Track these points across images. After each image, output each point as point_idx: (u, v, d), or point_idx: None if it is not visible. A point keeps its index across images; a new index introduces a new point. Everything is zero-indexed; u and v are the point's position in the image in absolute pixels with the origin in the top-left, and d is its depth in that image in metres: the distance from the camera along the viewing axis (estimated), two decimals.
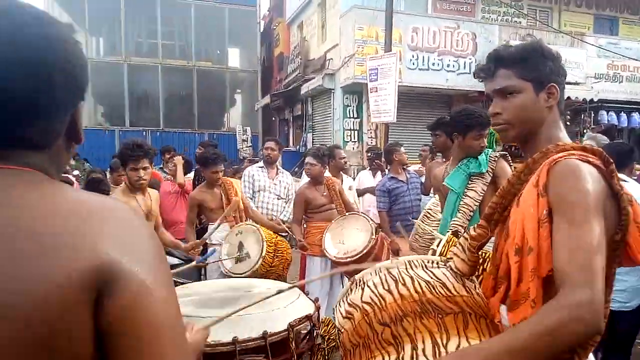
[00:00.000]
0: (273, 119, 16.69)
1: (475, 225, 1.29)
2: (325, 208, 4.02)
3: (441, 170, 3.00)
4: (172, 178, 5.41)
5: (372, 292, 1.26)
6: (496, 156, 2.64)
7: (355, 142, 11.39)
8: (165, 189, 5.06)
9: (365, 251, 3.33)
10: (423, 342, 1.13)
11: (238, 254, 3.58)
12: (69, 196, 0.67)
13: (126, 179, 2.84)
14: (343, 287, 1.26)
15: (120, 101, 16.48)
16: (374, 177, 5.63)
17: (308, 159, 4.05)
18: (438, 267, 1.32)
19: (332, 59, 11.91)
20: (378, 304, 1.23)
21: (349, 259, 3.32)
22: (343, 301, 1.36)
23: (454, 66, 11.13)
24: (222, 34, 17.82)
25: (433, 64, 11.02)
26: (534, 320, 0.98)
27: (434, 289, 1.22)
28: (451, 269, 1.29)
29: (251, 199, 4.42)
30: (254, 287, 2.79)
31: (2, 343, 0.57)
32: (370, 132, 11.16)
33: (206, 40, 17.88)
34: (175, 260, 4.31)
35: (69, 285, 0.58)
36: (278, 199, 4.47)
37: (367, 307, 1.24)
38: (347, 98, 11.41)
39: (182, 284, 3.00)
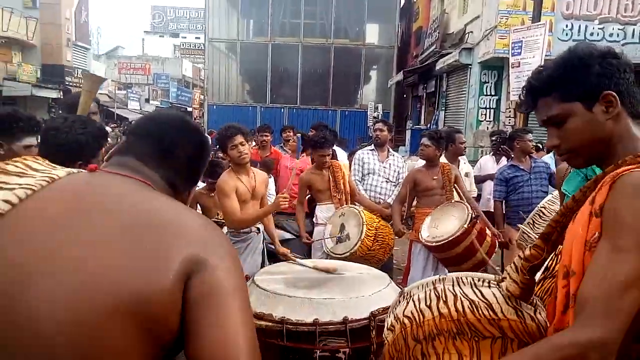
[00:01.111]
0: (404, 95, 16.33)
1: (531, 244, 1.13)
2: (434, 193, 3.87)
3: (565, 166, 2.66)
4: (291, 153, 5.74)
5: (414, 306, 1.21)
6: None
7: (490, 121, 10.60)
8: (284, 164, 5.40)
9: (451, 239, 3.20)
10: None
11: (339, 234, 3.67)
12: (174, 205, 0.93)
13: (231, 161, 3.06)
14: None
15: (263, 79, 17.66)
16: (497, 163, 5.21)
17: (423, 140, 3.92)
18: (489, 286, 1.20)
19: (472, 32, 11.17)
20: (417, 319, 1.18)
21: (434, 244, 3.20)
22: (391, 313, 1.33)
23: (618, 35, 9.59)
24: (362, 11, 17.83)
25: (591, 34, 9.63)
26: (537, 351, 0.88)
27: (477, 309, 1.12)
28: (505, 289, 1.16)
29: (360, 182, 4.44)
30: (345, 270, 2.84)
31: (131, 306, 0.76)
32: (509, 112, 10.27)
33: (346, 18, 18.08)
34: (288, 235, 4.60)
35: (176, 271, 0.79)
36: (387, 182, 4.40)
37: (406, 321, 1.20)
38: (484, 74, 10.63)
39: (295, 257, 3.21)
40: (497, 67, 10.35)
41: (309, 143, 4.04)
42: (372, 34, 19.03)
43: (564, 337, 0.88)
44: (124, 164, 0.96)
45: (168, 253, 0.81)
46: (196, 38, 41.74)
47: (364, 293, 2.38)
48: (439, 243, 3.19)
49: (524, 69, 8.23)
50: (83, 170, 0.97)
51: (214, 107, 17.59)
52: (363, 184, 4.44)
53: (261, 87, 17.87)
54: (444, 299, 1.16)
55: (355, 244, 3.48)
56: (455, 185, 4.03)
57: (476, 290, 1.18)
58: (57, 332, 0.73)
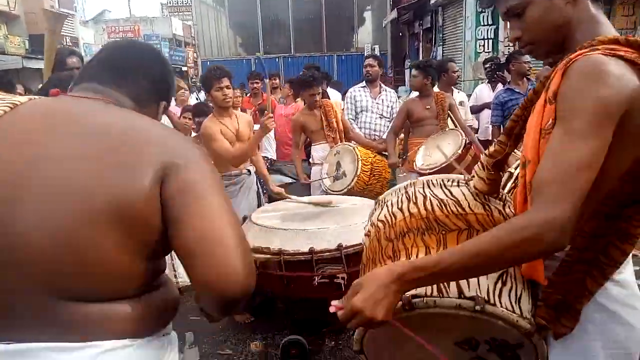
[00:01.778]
0: (400, 34, 15.90)
1: (496, 139, 1.16)
2: (427, 123, 3.88)
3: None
4: (285, 101, 5.70)
5: (388, 210, 1.27)
6: None
7: (489, 52, 10.34)
8: (278, 112, 5.39)
9: (444, 165, 3.27)
10: (417, 255, 1.11)
11: (335, 172, 3.72)
12: (140, 118, 0.98)
13: (214, 104, 3.06)
14: None
15: (254, 30, 17.21)
16: (493, 90, 5.15)
17: (412, 71, 3.89)
18: (458, 185, 1.25)
19: None
20: (389, 221, 1.23)
21: (428, 171, 3.25)
22: (369, 220, 1.39)
23: None
24: None
25: None
26: (497, 234, 0.91)
27: (445, 207, 1.17)
28: (473, 187, 1.21)
29: (354, 120, 4.43)
30: (340, 203, 2.91)
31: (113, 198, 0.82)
32: (507, 40, 10.01)
33: None
34: (287, 179, 4.66)
35: (151, 177, 0.84)
36: (381, 118, 4.39)
37: (380, 225, 1.25)
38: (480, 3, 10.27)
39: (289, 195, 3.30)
40: None
41: (297, 84, 4.00)
42: None
43: (521, 218, 0.91)
44: (85, 88, 0.99)
45: (141, 160, 0.85)
46: None
47: (357, 221, 2.45)
48: (433, 170, 3.24)
49: None
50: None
51: (208, 62, 17.28)
52: (357, 121, 4.43)
53: (253, 38, 17.45)
54: (414, 200, 1.21)
55: (352, 180, 3.54)
56: (450, 113, 4.03)
57: (445, 190, 1.23)
58: (49, 244, 0.78)
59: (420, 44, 14.53)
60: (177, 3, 40.52)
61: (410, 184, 1.30)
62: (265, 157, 5.05)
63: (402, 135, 4.38)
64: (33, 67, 21.33)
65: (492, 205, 1.18)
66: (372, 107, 4.41)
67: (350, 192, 3.47)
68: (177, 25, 36.41)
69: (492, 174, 1.15)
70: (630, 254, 1.06)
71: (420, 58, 13.95)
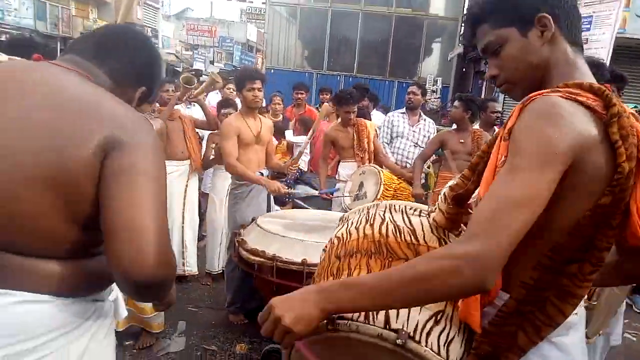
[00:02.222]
0: (465, 70, 15.65)
1: (460, 174, 1.14)
2: (459, 157, 3.80)
3: None
4: (328, 119, 5.76)
5: (346, 228, 1.27)
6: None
7: None
8: (320, 128, 5.45)
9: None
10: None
11: (357, 192, 3.71)
12: (102, 93, 1.01)
13: (243, 103, 3.15)
14: None
15: (321, 46, 17.56)
16: None
17: (455, 102, 3.85)
18: (419, 215, 1.23)
19: None
20: (344, 239, 1.23)
21: None
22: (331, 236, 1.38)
23: None
24: None
25: None
26: (417, 261, 0.88)
27: (400, 234, 1.15)
28: (432, 219, 1.19)
29: (387, 144, 4.41)
30: None
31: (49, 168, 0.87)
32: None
33: None
34: (313, 192, 4.70)
35: (94, 147, 0.89)
36: (415, 146, 4.35)
37: (335, 241, 1.25)
38: None
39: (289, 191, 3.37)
40: None
41: (334, 99, 4.05)
42: (437, 4, 18.25)
43: (442, 249, 0.88)
44: (67, 59, 1.06)
45: (86, 130, 0.89)
46: (262, 3, 41.83)
47: None
48: None
49: (592, 47, 7.66)
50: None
51: (272, 71, 17.79)
52: (390, 146, 4.41)
53: (319, 53, 17.81)
54: (371, 222, 1.20)
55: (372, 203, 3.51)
56: None
57: (405, 217, 1.21)
58: None
59: (485, 83, 14.25)
60: (256, 11, 42.13)
61: (374, 205, 1.30)
62: (299, 167, 5.11)
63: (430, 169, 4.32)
64: None
65: (449, 242, 1.15)
66: (408, 134, 4.38)
67: None
68: (252, 31, 37.77)
69: (452, 208, 1.12)
70: (576, 318, 1.00)
71: (483, 97, 13.69)
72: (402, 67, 17.58)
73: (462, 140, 3.82)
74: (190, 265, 3.72)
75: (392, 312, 1.00)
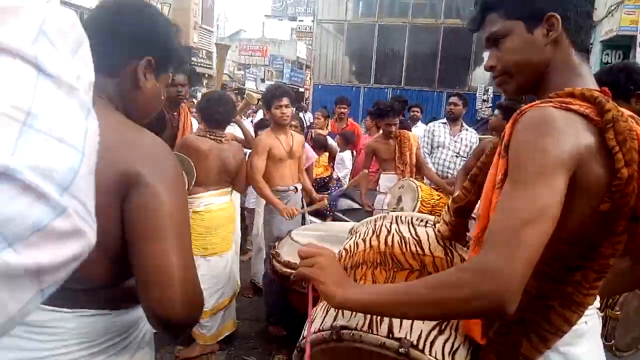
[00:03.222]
0: None
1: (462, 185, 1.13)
2: None
3: None
4: (369, 133, 5.78)
5: (354, 240, 1.29)
6: None
7: None
8: (362, 142, 5.49)
9: None
10: None
11: (395, 206, 3.69)
12: (119, 120, 0.94)
13: (272, 121, 3.24)
14: None
15: (368, 60, 17.64)
16: None
17: (495, 110, 3.76)
18: (425, 226, 1.24)
19: (596, 8, 9.96)
20: (351, 251, 1.25)
21: None
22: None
23: None
24: None
25: None
26: (430, 278, 0.89)
27: (405, 245, 1.17)
28: (437, 230, 1.19)
29: (429, 154, 4.36)
30: None
31: None
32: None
33: None
34: (355, 205, 4.72)
35: (114, 181, 0.84)
36: (457, 156, 4.28)
37: (343, 253, 1.28)
38: (607, 54, 9.51)
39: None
40: (622, 46, 9.18)
41: (375, 112, 4.07)
42: None
43: (463, 265, 0.88)
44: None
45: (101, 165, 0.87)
46: (312, 21, 42.77)
47: None
48: None
49: None
50: None
51: (319, 86, 18.05)
52: (431, 157, 4.36)
53: (366, 67, 17.88)
54: (377, 234, 1.22)
55: None
56: None
57: (411, 228, 1.22)
58: None
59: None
60: (306, 29, 43.07)
61: (381, 217, 1.31)
62: (340, 180, 5.15)
63: None
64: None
65: (455, 251, 1.15)
66: (450, 145, 4.32)
67: None
68: (302, 48, 38.63)
69: (454, 219, 1.11)
70: (586, 327, 0.96)
71: None
72: (451, 78, 17.28)
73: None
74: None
75: (396, 321, 1.01)
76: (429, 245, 1.15)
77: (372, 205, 4.03)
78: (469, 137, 4.37)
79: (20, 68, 0.43)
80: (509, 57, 1.02)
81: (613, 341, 1.66)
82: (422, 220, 1.25)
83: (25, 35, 0.45)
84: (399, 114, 4.00)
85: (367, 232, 1.26)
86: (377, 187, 4.11)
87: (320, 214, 4.18)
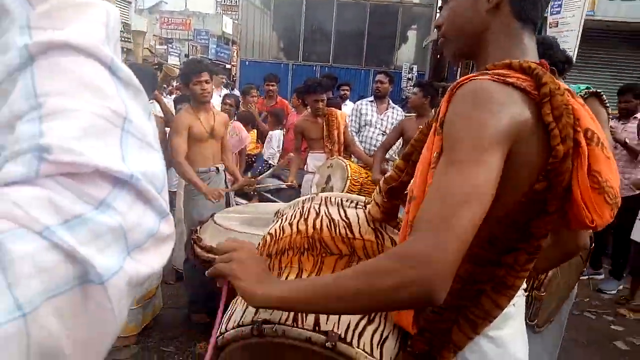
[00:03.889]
0: (439, 56, 15.67)
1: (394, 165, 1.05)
2: None
3: None
4: (296, 111, 5.66)
5: (280, 224, 1.18)
6: (583, 95, 1.99)
7: None
8: (291, 120, 5.35)
9: None
10: (287, 276, 1.01)
11: (324, 186, 3.62)
12: None
13: (192, 97, 3.03)
14: None
15: (296, 36, 17.35)
16: None
17: (413, 89, 3.75)
18: (356, 207, 1.15)
19: None
20: (276, 236, 1.14)
21: None
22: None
23: None
24: None
25: None
26: (365, 265, 0.79)
27: (334, 228, 1.07)
28: (368, 212, 1.10)
29: (356, 133, 4.33)
30: None
31: None
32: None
33: None
34: (283, 185, 4.61)
35: None
36: (383, 135, 4.28)
37: (268, 238, 1.16)
38: None
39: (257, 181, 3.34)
40: None
41: (302, 89, 3.93)
42: None
43: (391, 251, 0.79)
44: None
45: None
46: None
47: None
48: None
49: (562, 29, 7.68)
50: None
51: (247, 62, 17.54)
52: (359, 135, 4.33)
53: (294, 44, 17.59)
54: (305, 217, 1.12)
55: None
56: None
57: (340, 210, 1.13)
58: None
59: (459, 69, 14.29)
60: (231, 2, 41.58)
61: (310, 199, 1.21)
62: (268, 161, 5.01)
63: None
64: None
65: (386, 234, 1.07)
66: (376, 123, 4.30)
67: None
68: (228, 23, 37.26)
69: (386, 201, 1.03)
70: (513, 309, 0.92)
71: None
72: (378, 56, 17.48)
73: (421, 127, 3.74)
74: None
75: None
76: (359, 228, 1.06)
77: (300, 184, 3.93)
78: (395, 115, 4.38)
79: (99, 70, 0.42)
80: (450, 18, 0.96)
81: (536, 320, 1.70)
82: (352, 202, 1.16)
83: (97, 35, 0.43)
84: (327, 90, 3.89)
85: (294, 215, 1.15)
86: (305, 167, 4.00)
87: (246, 194, 4.03)
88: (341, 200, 1.16)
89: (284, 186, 4.46)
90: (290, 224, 1.12)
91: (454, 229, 0.72)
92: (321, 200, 1.18)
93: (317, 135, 3.86)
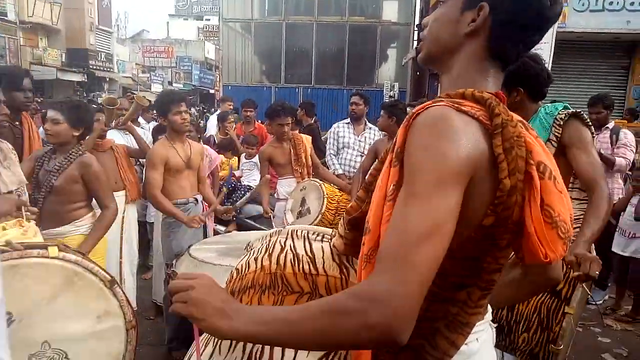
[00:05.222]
0: (418, 73, 15.90)
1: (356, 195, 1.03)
2: None
3: None
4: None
5: (247, 258, 1.16)
6: (563, 117, 1.93)
7: None
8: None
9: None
10: None
11: (299, 209, 3.59)
12: None
13: (170, 128, 3.01)
14: None
15: (278, 59, 17.52)
16: None
17: (381, 112, 3.72)
18: (322, 240, 1.13)
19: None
20: (242, 271, 1.12)
21: None
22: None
23: None
24: None
25: (610, 3, 9.07)
26: (319, 302, 0.76)
27: (298, 264, 1.05)
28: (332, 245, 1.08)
29: (334, 155, 4.33)
30: None
31: None
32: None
33: None
34: (257, 212, 4.56)
35: None
36: (361, 156, 4.29)
37: (234, 274, 1.15)
38: None
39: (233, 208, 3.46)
40: None
41: (267, 113, 3.87)
42: (389, 11, 18.51)
43: (351, 290, 0.76)
44: None
45: None
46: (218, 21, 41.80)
47: None
48: None
49: None
50: None
51: (229, 87, 17.61)
52: (338, 158, 4.33)
53: (276, 67, 17.75)
54: (270, 252, 1.10)
55: (316, 217, 3.40)
56: None
57: (306, 244, 1.10)
58: None
59: (440, 85, 14.49)
60: (214, 29, 41.98)
61: (277, 232, 1.18)
62: (249, 186, 4.97)
63: None
64: (66, 79, 22.24)
65: (352, 268, 1.05)
66: (354, 145, 4.32)
67: None
68: (210, 48, 37.57)
69: (349, 232, 1.01)
70: (477, 345, 0.90)
71: None
72: (358, 75, 17.67)
73: None
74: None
75: (277, 352, 0.91)
76: (323, 263, 1.04)
77: (274, 212, 3.85)
78: (372, 135, 4.40)
79: None
80: (431, 24, 0.95)
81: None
82: (319, 234, 1.13)
83: None
84: (290, 114, 3.82)
85: (260, 249, 1.12)
86: (276, 194, 3.91)
87: (223, 221, 3.97)
88: (308, 233, 1.14)
89: (259, 215, 4.42)
90: (256, 259, 1.10)
91: (414, 266, 0.70)
92: (288, 233, 1.15)
93: (285, 160, 3.78)
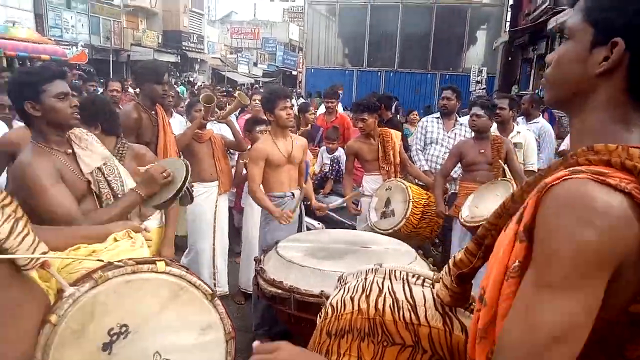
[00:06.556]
0: (511, 58, 14.90)
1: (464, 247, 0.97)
2: (478, 167, 3.43)
3: None
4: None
5: (341, 295, 1.14)
6: None
7: None
8: (347, 136, 5.30)
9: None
10: None
11: (384, 209, 3.54)
12: None
13: (276, 123, 3.10)
14: None
15: (361, 42, 17.27)
16: None
17: (474, 109, 3.48)
18: (422, 285, 1.08)
19: None
20: (337, 310, 1.10)
21: (471, 225, 2.94)
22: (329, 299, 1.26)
23: None
24: None
25: None
26: None
27: (398, 310, 1.01)
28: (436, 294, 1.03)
29: (421, 151, 4.20)
30: (374, 244, 2.74)
31: None
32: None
33: None
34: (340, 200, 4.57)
35: None
36: None
37: (329, 311, 1.13)
38: None
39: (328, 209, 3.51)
40: None
41: (351, 107, 3.90)
42: None
43: None
44: None
45: None
46: (304, 2, 41.99)
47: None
48: (477, 224, 2.92)
49: None
50: None
51: (312, 70, 17.73)
52: (425, 153, 4.20)
53: (359, 50, 17.51)
54: (368, 293, 1.07)
55: (400, 222, 3.35)
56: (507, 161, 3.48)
57: (406, 288, 1.06)
58: None
59: (533, 71, 13.51)
60: (298, 10, 42.31)
61: (374, 269, 1.15)
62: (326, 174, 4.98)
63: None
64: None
65: (455, 320, 0.99)
66: (443, 141, 4.15)
67: (396, 234, 3.26)
68: (294, 30, 37.99)
69: (456, 286, 0.95)
70: None
71: (531, 86, 13.02)
72: (445, 59, 16.95)
73: (482, 151, 3.43)
74: (221, 285, 3.71)
75: None
76: (425, 311, 0.99)
77: (359, 208, 3.83)
78: (463, 132, 4.20)
79: None
80: (556, 62, 0.84)
81: None
82: (419, 278, 1.09)
83: None
84: (376, 110, 3.73)
85: (356, 288, 1.10)
86: (362, 190, 3.88)
87: (316, 214, 4.04)
88: (407, 276, 1.10)
89: (344, 205, 4.42)
90: (352, 299, 1.08)
91: None
92: (385, 273, 1.12)
93: (372, 157, 3.74)
